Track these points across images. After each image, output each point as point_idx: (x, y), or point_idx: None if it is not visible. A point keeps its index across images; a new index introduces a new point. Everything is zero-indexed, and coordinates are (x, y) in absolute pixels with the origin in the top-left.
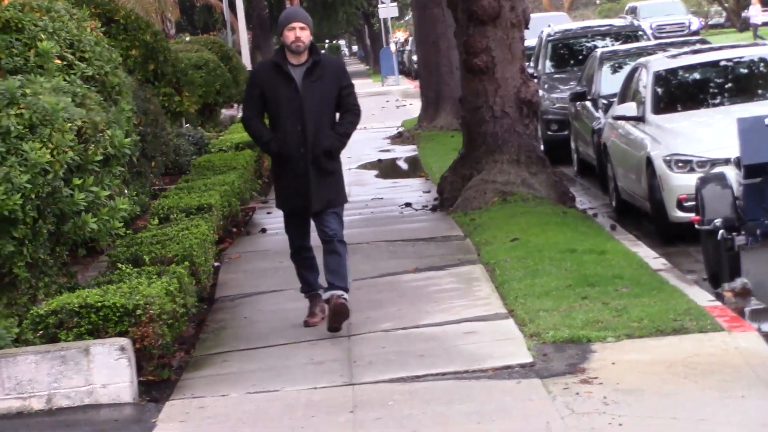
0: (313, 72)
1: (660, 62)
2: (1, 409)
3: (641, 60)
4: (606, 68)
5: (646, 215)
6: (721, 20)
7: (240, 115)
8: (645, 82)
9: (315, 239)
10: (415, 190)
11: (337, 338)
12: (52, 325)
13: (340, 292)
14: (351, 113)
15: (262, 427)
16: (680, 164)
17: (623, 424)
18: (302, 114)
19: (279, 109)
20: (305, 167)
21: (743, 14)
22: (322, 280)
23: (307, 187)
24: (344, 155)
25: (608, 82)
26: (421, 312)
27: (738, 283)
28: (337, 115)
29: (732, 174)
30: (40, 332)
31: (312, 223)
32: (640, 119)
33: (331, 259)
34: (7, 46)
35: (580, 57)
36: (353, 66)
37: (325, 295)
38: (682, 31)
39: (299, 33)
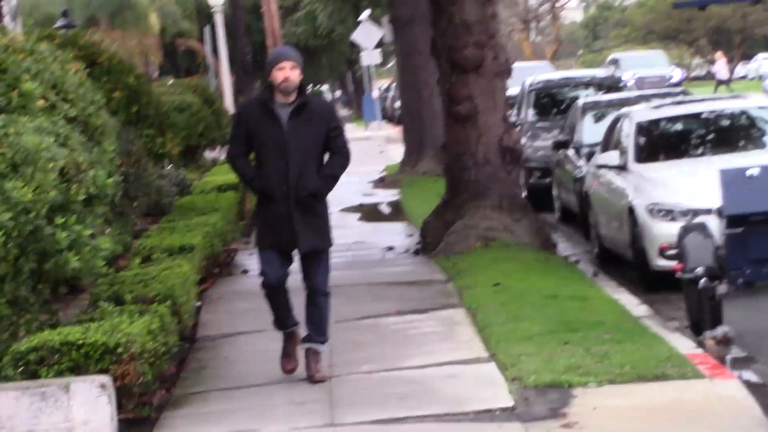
0: (300, 112)
1: (643, 113)
2: None
3: (624, 110)
4: (588, 117)
5: (628, 263)
6: (703, 73)
7: (223, 156)
8: (628, 132)
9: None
10: (397, 234)
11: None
12: (33, 361)
13: (317, 346)
14: (340, 155)
15: None
16: (662, 213)
17: None
18: (286, 153)
19: (264, 147)
20: (288, 207)
21: (709, 69)
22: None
23: (291, 227)
24: (327, 198)
25: (590, 131)
26: (402, 354)
27: (719, 331)
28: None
29: (714, 224)
30: (21, 368)
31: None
32: (622, 168)
33: (313, 312)
34: None
35: (563, 106)
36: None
37: (303, 345)
38: (664, 82)
39: (289, 72)
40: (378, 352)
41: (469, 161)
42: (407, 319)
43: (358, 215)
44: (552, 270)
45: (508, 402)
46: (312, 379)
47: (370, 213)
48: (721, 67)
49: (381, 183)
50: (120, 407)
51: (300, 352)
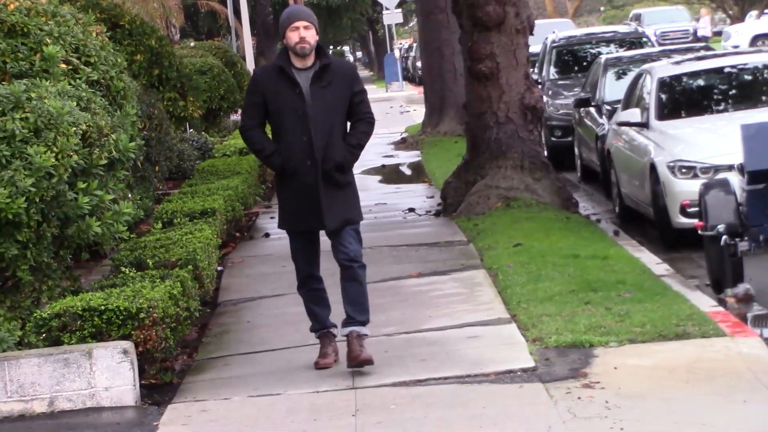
0: (321, 77)
1: (664, 69)
2: (3, 412)
3: (645, 66)
4: (610, 74)
5: (649, 221)
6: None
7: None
8: (649, 89)
9: (326, 268)
10: (418, 196)
11: (340, 342)
12: (56, 328)
13: (359, 329)
14: (364, 122)
15: (264, 430)
16: (684, 170)
17: (624, 428)
18: (308, 123)
19: (283, 118)
20: (314, 182)
21: (693, 26)
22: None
23: (318, 204)
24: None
25: (612, 88)
26: (423, 316)
27: (741, 288)
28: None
29: (735, 180)
30: (44, 335)
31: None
32: (644, 125)
33: (351, 288)
34: (12, 50)
35: (584, 63)
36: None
37: (343, 331)
38: (687, 38)
39: (304, 33)
40: (399, 314)
41: (491, 120)
42: (428, 281)
43: (379, 177)
44: (573, 229)
45: (529, 363)
46: (356, 360)
47: (391, 175)
48: (705, 24)
49: (402, 144)
50: (142, 373)
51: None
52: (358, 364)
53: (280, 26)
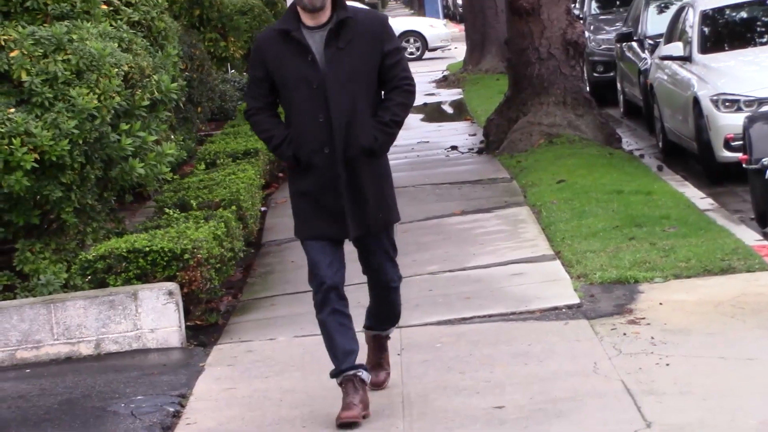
0: (339, 35)
1: (706, 1)
2: (51, 354)
3: (687, 0)
4: (652, 8)
5: (693, 156)
6: None
7: None
8: (691, 22)
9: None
10: (460, 134)
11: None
12: (101, 270)
13: (384, 332)
14: (400, 91)
15: (310, 369)
16: (727, 104)
17: (671, 363)
18: (326, 98)
19: (292, 94)
20: (334, 175)
21: None
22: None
23: (339, 203)
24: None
25: (654, 22)
26: (467, 254)
27: None
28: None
29: None
30: (89, 277)
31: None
32: (686, 59)
33: (382, 307)
34: None
35: None
36: (396, 10)
37: (368, 332)
38: None
39: None
40: (443, 252)
41: (532, 56)
42: (472, 219)
43: (421, 116)
44: (616, 165)
45: (574, 299)
46: (376, 383)
47: (432, 113)
48: None
49: (443, 82)
50: (187, 314)
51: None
52: (376, 386)
53: None
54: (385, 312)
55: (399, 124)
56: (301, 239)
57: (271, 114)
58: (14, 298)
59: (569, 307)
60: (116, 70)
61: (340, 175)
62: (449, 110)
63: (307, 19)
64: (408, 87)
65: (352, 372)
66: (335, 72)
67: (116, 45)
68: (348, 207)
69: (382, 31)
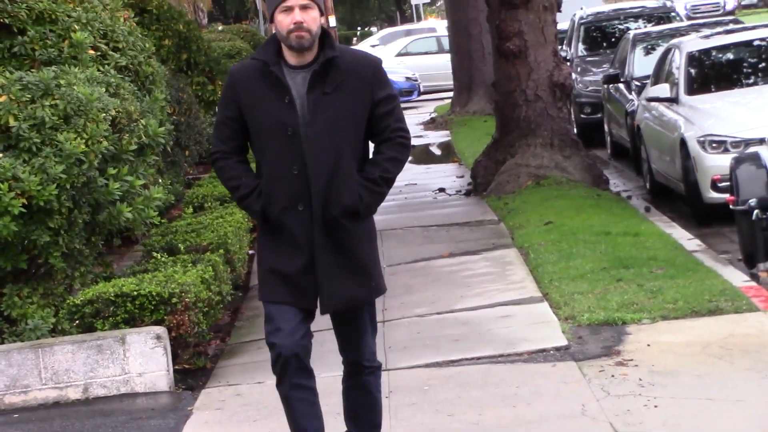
0: (325, 77)
1: (693, 43)
2: (39, 399)
3: (674, 41)
4: (639, 50)
5: (680, 197)
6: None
7: None
8: (678, 63)
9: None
10: (448, 175)
11: None
12: (89, 314)
13: None
14: (392, 143)
15: None
16: (714, 145)
17: (659, 405)
18: (302, 147)
19: (267, 139)
20: (308, 237)
21: None
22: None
23: (311, 271)
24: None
25: (641, 64)
26: (455, 297)
27: None
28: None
29: (766, 154)
30: (77, 322)
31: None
32: (673, 100)
33: (357, 398)
34: (41, 37)
35: (613, 39)
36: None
37: None
38: (717, 11)
39: (300, 15)
40: (431, 294)
41: (520, 98)
42: (459, 261)
43: (409, 158)
44: (604, 206)
45: (562, 341)
46: None
47: (420, 155)
48: None
49: (431, 124)
50: (175, 358)
51: None
52: None
53: (267, 3)
54: (361, 403)
55: (389, 182)
56: (263, 302)
57: (240, 160)
58: (2, 342)
59: (557, 349)
60: (104, 114)
61: (315, 239)
62: (437, 152)
63: (290, 57)
64: (402, 140)
65: None
66: (317, 119)
67: (104, 90)
68: (323, 277)
69: (374, 75)
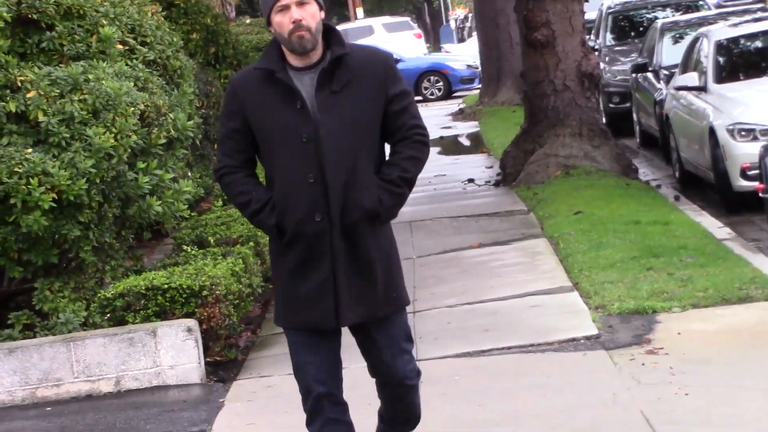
0: (332, 76)
1: (721, 31)
2: (71, 392)
3: (702, 30)
4: (667, 39)
5: (709, 185)
6: None
7: None
8: (706, 52)
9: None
10: (477, 166)
11: None
12: (120, 307)
13: None
14: (409, 141)
15: None
16: (743, 133)
17: (689, 393)
18: (319, 153)
19: (276, 149)
20: (327, 248)
21: None
22: None
23: (333, 281)
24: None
25: (669, 53)
26: (485, 287)
27: None
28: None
29: None
30: (108, 315)
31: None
32: (702, 89)
33: (396, 410)
34: (69, 32)
35: (641, 29)
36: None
37: None
38: None
39: (298, 13)
40: (461, 285)
41: (548, 88)
42: (489, 251)
43: (438, 149)
44: (633, 195)
45: (592, 330)
46: None
47: (449, 146)
48: None
49: (460, 115)
50: (206, 350)
51: None
52: None
53: (261, 6)
54: (400, 415)
55: (410, 183)
56: (285, 329)
57: (248, 173)
58: (34, 336)
59: (588, 338)
60: (132, 109)
61: (337, 247)
62: (466, 143)
63: (293, 60)
64: (420, 137)
65: None
66: (330, 121)
67: (132, 84)
68: (345, 286)
69: (386, 70)
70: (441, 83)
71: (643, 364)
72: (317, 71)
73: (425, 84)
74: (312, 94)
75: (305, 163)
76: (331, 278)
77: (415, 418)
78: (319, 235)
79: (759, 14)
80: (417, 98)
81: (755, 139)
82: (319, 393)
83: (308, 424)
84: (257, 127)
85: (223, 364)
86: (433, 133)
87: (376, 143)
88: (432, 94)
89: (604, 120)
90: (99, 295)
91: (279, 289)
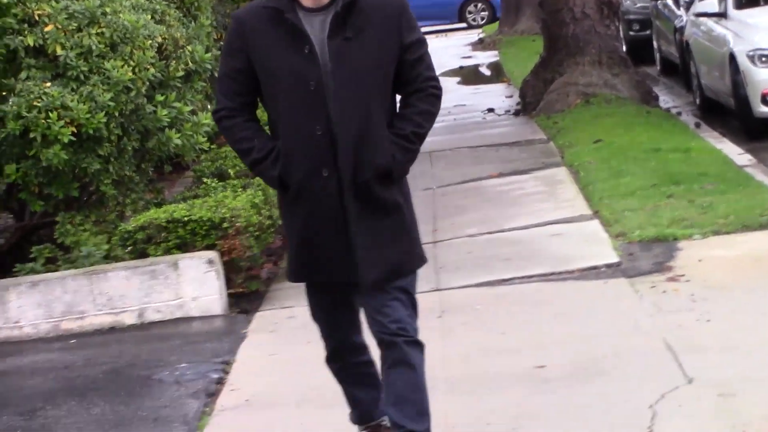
0: (345, 22)
1: None
2: (95, 324)
3: None
4: None
5: (730, 112)
6: None
7: None
8: None
9: None
10: (497, 96)
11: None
12: (141, 240)
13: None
14: (423, 94)
15: None
16: (763, 59)
17: (711, 320)
18: (327, 103)
19: (281, 95)
20: (337, 206)
21: None
22: None
23: (345, 243)
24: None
25: None
26: (506, 216)
27: None
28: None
29: None
30: (129, 248)
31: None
32: (722, 15)
33: (398, 376)
34: None
35: None
36: None
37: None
38: None
39: None
40: (481, 214)
41: (567, 16)
42: (509, 181)
43: (457, 79)
44: (653, 123)
45: (613, 258)
46: None
47: (469, 75)
48: None
49: (479, 44)
50: (228, 282)
51: None
52: None
53: None
54: (403, 385)
55: (422, 138)
56: (299, 283)
57: (249, 118)
58: (57, 270)
59: (609, 266)
60: (150, 41)
61: (348, 208)
62: (486, 73)
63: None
64: (433, 90)
65: (373, 424)
66: (341, 69)
67: (149, 17)
68: (361, 249)
69: (401, 17)
70: (486, 11)
71: (664, 292)
72: (329, 14)
73: (470, 9)
74: (322, 39)
75: (312, 114)
76: (343, 235)
77: (421, 407)
78: (327, 192)
79: None
80: (461, 25)
81: None
82: (338, 340)
83: (328, 361)
84: (261, 69)
85: (246, 296)
86: (453, 63)
87: (388, 95)
88: (475, 20)
89: (624, 48)
90: (120, 228)
91: (290, 243)
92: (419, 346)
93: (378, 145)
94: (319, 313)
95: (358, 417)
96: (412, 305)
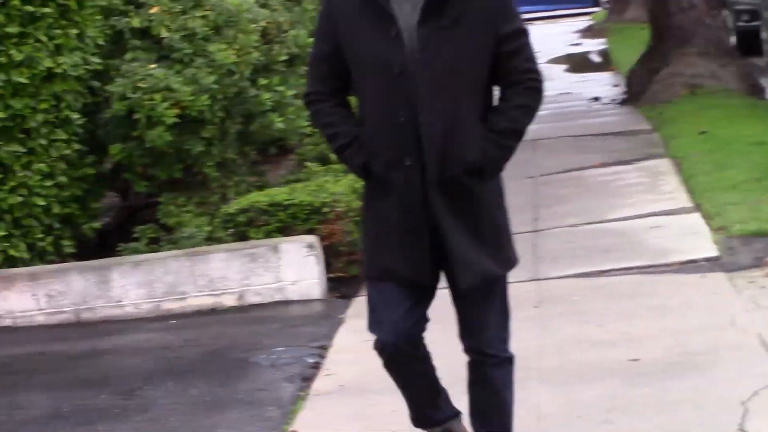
0: (441, 9)
1: None
2: (195, 306)
3: None
4: None
5: None
6: None
7: None
8: None
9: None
10: (604, 84)
11: (523, 234)
12: (242, 223)
13: None
14: (521, 87)
15: (449, 321)
16: None
17: None
18: (410, 91)
19: (367, 80)
20: (420, 199)
21: None
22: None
23: (429, 240)
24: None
25: None
26: (606, 207)
27: None
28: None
29: None
30: (231, 230)
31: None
32: None
33: (481, 396)
34: None
35: None
36: None
37: None
38: None
39: None
40: (582, 205)
41: (674, 6)
42: (611, 171)
43: (564, 66)
44: (759, 116)
45: (713, 252)
46: None
47: (576, 63)
48: None
49: (588, 32)
50: (328, 266)
51: None
52: None
53: None
54: (487, 402)
55: (519, 135)
56: (367, 278)
57: (338, 103)
58: (159, 250)
59: (708, 260)
60: (254, 25)
61: (435, 203)
62: (593, 60)
63: None
64: (533, 83)
65: (441, 426)
66: (430, 58)
67: (253, 1)
68: (454, 247)
69: (501, 7)
70: None
71: (762, 287)
72: (421, 1)
73: None
74: (412, 24)
75: (395, 100)
76: (424, 234)
77: (505, 428)
78: (409, 183)
79: None
80: (594, 9)
81: None
82: (391, 354)
83: (383, 363)
84: (348, 53)
85: (345, 281)
86: (560, 50)
87: (482, 87)
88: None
89: (732, 39)
90: (222, 210)
91: (368, 234)
92: (509, 364)
93: (468, 139)
94: (384, 311)
95: (420, 421)
96: (504, 313)
